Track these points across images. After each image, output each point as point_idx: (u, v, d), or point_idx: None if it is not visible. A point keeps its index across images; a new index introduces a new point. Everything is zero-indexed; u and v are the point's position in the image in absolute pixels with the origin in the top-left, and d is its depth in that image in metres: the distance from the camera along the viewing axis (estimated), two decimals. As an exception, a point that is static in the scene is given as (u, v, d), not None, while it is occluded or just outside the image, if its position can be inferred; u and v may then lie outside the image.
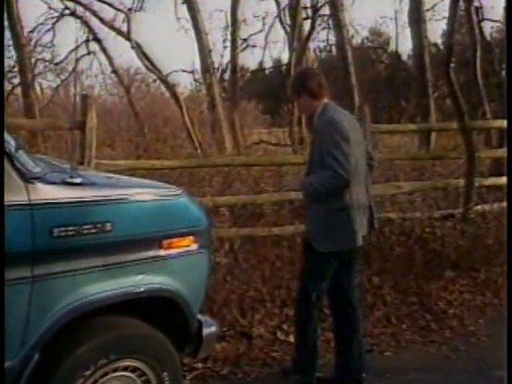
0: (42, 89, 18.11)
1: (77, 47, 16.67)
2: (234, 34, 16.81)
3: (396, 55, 23.52)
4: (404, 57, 23.92)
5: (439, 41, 22.15)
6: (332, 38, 19.57)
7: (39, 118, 12.75)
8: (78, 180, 2.58)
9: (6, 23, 13.79)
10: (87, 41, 16.99)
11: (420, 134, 12.82)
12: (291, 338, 4.32)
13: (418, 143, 12.98)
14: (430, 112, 14.51)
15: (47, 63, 18.03)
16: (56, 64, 18.41)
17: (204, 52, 15.45)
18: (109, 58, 17.18)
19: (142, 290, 2.68)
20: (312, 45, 20.47)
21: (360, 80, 15.84)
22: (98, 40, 16.79)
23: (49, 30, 16.89)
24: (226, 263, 5.47)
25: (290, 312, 4.76)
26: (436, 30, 34.88)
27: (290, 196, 6.42)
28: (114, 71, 17.73)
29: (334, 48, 20.01)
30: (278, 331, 4.55)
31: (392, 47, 24.19)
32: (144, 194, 2.80)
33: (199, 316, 3.03)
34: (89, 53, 17.52)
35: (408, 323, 4.87)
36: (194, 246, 2.91)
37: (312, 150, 3.84)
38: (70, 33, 29.38)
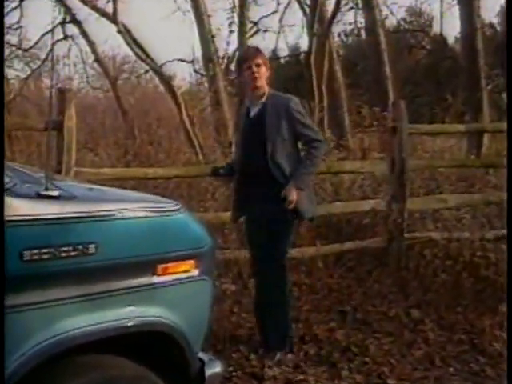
0: (7, 79, 18.23)
1: (51, 30, 16.78)
2: (242, 15, 16.84)
3: (440, 39, 23.49)
4: (450, 41, 23.93)
5: (495, 20, 22.06)
6: (361, 20, 19.71)
7: (4, 115, 12.81)
8: (55, 192, 2.60)
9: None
10: (64, 22, 17.10)
11: (469, 136, 12.81)
12: (311, 380, 4.34)
13: (466, 147, 12.96)
14: (482, 109, 14.46)
15: (13, 48, 18.16)
16: (25, 50, 18.56)
17: (206, 38, 15.49)
18: (91, 43, 17.32)
19: (131, 324, 2.69)
20: (337, 28, 20.65)
21: (395, 70, 15.88)
22: (77, 22, 16.90)
23: (15, 9, 17.05)
24: (233, 291, 5.50)
25: (311, 350, 4.79)
26: (492, 6, 34.44)
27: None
28: (97, 60, 17.87)
29: (363, 32, 20.07)
30: (295, 372, 4.57)
31: (435, 30, 24.25)
32: (134, 209, 2.82)
33: (201, 354, 3.04)
34: (66, 37, 17.67)
35: (456, 366, 4.86)
36: (195, 272, 2.93)
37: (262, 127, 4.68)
38: (42, 12, 29.57)
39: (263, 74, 4.72)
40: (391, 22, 23.44)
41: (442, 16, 22.43)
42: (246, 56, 4.82)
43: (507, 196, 5.20)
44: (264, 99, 4.74)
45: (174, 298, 2.84)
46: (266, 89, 4.77)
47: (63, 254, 2.52)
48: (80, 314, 2.57)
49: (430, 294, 5.87)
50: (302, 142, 4.78)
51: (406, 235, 6.63)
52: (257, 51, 4.84)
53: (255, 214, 4.74)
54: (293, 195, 4.58)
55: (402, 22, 25.20)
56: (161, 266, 2.79)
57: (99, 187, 3.23)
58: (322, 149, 4.79)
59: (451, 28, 40.60)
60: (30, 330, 2.46)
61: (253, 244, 4.87)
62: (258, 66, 4.69)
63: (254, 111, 4.78)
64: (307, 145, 4.74)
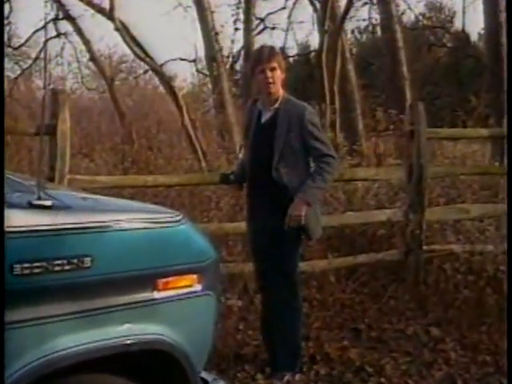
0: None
1: (43, 27, 16.89)
2: (247, 12, 16.90)
3: (462, 36, 23.46)
4: (473, 38, 23.89)
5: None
6: (376, 16, 19.77)
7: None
8: (48, 202, 2.61)
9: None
10: (57, 19, 17.16)
11: (493, 142, 12.77)
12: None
13: (490, 153, 12.94)
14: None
15: (2, 46, 18.26)
16: (15, 48, 18.64)
17: (209, 35, 15.53)
18: (85, 41, 17.35)
19: (129, 342, 2.71)
20: (350, 25, 20.65)
21: (413, 69, 15.89)
22: (71, 18, 16.94)
23: (4, 3, 17.08)
24: (238, 307, 5.51)
25: (321, 370, 4.80)
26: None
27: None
28: (93, 59, 17.88)
29: (378, 29, 20.11)
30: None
31: (457, 26, 24.24)
32: (133, 220, 2.84)
33: (204, 374, 3.06)
34: (59, 34, 17.72)
35: (480, 389, 4.86)
36: (198, 287, 2.94)
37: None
38: (33, 8, 29.68)
39: (278, 78, 4.69)
40: (409, 17, 23.56)
41: (464, 11, 22.53)
42: (260, 59, 4.73)
43: (507, 196, 5.18)
44: (277, 104, 4.72)
45: (175, 315, 2.85)
46: (281, 93, 4.75)
47: (56, 268, 2.53)
48: (74, 332, 2.58)
49: (451, 311, 5.86)
50: (313, 156, 4.71)
51: (424, 248, 6.63)
52: (271, 53, 4.76)
53: (260, 225, 4.75)
54: (299, 210, 4.56)
55: (420, 18, 25.25)
56: (161, 281, 2.80)
57: (95, 196, 3.25)
58: (335, 165, 4.74)
59: (474, 24, 40.54)
60: (20, 349, 2.47)
61: (258, 256, 4.89)
62: (272, 69, 4.65)
63: (265, 117, 4.76)
64: (318, 159, 4.68)
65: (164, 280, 2.81)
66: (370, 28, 23.52)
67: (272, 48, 4.92)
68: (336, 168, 4.82)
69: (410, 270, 6.56)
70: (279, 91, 4.73)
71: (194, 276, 2.92)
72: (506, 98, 6.57)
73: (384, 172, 7.54)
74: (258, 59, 4.77)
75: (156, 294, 2.79)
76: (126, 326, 2.71)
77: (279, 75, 4.69)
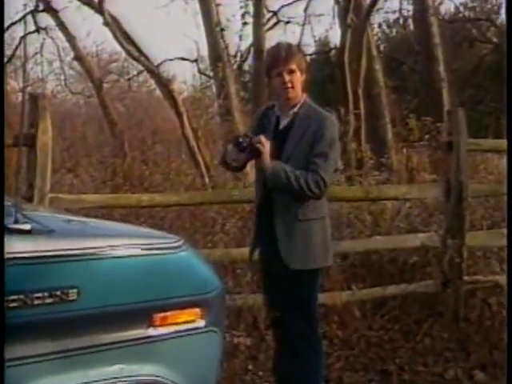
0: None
1: (20, 20, 16.94)
2: (258, 4, 16.95)
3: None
4: (523, 33, 23.89)
5: None
6: (408, 8, 19.83)
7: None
8: (27, 226, 2.64)
9: None
10: (36, 11, 17.25)
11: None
12: None
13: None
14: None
15: (-28, 42, 18.39)
16: (-14, 45, 18.74)
17: (214, 31, 15.58)
18: (70, 37, 17.43)
19: (120, 385, 2.73)
20: (377, 18, 20.69)
21: (452, 69, 15.88)
22: (52, 11, 17.04)
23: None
24: (247, 345, 5.52)
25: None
26: None
27: (343, 247, 6.47)
28: (78, 57, 17.96)
29: (410, 22, 20.15)
30: None
31: (503, 18, 24.22)
32: (125, 246, 2.86)
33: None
34: (38, 29, 17.80)
35: None
36: (201, 322, 2.96)
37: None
38: None
39: (297, 81, 4.69)
40: (447, 8, 23.55)
41: (512, 0, 22.46)
42: (276, 60, 4.73)
43: (507, 197, 5.17)
44: (297, 109, 4.74)
45: (174, 354, 2.87)
46: (301, 97, 4.76)
47: (36, 302, 2.56)
48: (56, 374, 2.61)
49: (497, 352, 5.85)
50: (309, 168, 4.61)
51: (465, 278, 6.62)
52: (289, 52, 4.74)
53: (267, 251, 4.78)
54: (263, 143, 4.52)
55: (461, 9, 25.24)
56: (158, 316, 2.83)
57: (81, 219, 3.28)
58: (317, 191, 4.57)
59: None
60: (-5, 394, 2.49)
61: (268, 287, 4.92)
62: (290, 72, 4.65)
63: (283, 123, 4.77)
64: (310, 173, 4.56)
65: (162, 315, 2.84)
66: (401, 21, 23.60)
67: (290, 46, 4.91)
68: (318, 193, 4.59)
69: (448, 303, 6.55)
70: (299, 95, 4.74)
71: (197, 310, 2.94)
72: (506, 98, 6.57)
73: (417, 190, 7.52)
74: (273, 60, 4.77)
75: (152, 331, 2.81)
76: (117, 366, 2.73)
77: (299, 77, 4.70)
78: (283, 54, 4.71)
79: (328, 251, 4.79)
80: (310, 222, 4.66)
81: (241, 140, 4.59)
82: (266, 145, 4.52)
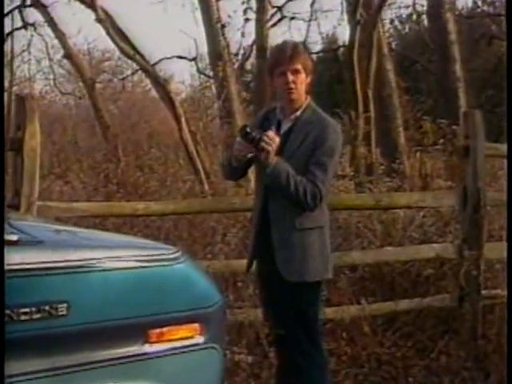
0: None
1: (6, 15, 16.96)
2: (261, -1, 16.99)
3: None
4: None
5: None
6: (422, 2, 19.84)
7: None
8: (13, 236, 2.64)
9: None
10: (23, 6, 17.28)
11: None
12: None
13: None
14: None
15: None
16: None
17: (214, 28, 15.61)
18: (59, 34, 17.46)
19: (112, 405, 2.73)
20: (388, 13, 20.71)
21: (469, 69, 15.87)
22: (41, 6, 17.07)
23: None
24: (249, 363, 5.52)
25: None
26: None
27: (352, 258, 6.46)
28: (68, 56, 17.99)
29: (425, 18, 20.16)
30: None
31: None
32: (118, 258, 2.87)
33: None
34: (25, 26, 17.83)
35: None
36: (200, 339, 2.96)
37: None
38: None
39: (301, 82, 4.71)
40: (464, 3, 23.57)
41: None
42: (280, 59, 4.73)
43: (508, 200, 5.17)
44: (299, 113, 4.75)
45: (171, 372, 2.87)
46: (305, 100, 4.77)
47: (23, 317, 2.57)
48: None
49: (517, 372, 5.85)
50: (306, 177, 4.60)
51: (483, 292, 6.62)
52: (295, 51, 4.74)
53: (263, 261, 4.79)
54: (274, 139, 4.51)
55: (479, 3, 25.24)
56: (154, 332, 2.83)
57: (71, 228, 3.28)
58: (314, 201, 4.59)
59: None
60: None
61: (266, 300, 4.93)
62: (295, 72, 4.66)
63: (284, 128, 4.77)
64: (308, 183, 4.57)
65: (158, 330, 2.84)
66: (415, 17, 23.60)
67: (296, 45, 4.92)
68: (309, 206, 4.61)
69: (464, 319, 6.54)
70: (302, 97, 4.75)
71: (195, 325, 2.95)
72: (506, 99, 6.59)
73: (431, 197, 7.51)
74: (277, 59, 4.77)
75: (148, 348, 2.82)
76: (110, 386, 2.73)
77: (303, 79, 4.71)
78: (288, 53, 4.71)
79: (327, 263, 4.79)
80: (308, 232, 4.67)
81: (248, 130, 4.55)
82: (275, 140, 4.51)
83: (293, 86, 4.66)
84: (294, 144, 4.67)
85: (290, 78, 4.65)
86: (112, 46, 16.19)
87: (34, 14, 17.64)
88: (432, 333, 6.56)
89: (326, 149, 4.62)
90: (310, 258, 4.64)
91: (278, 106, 4.87)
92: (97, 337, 2.70)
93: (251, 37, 17.85)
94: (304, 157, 4.63)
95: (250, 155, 4.64)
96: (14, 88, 16.23)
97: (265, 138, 4.48)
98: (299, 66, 4.67)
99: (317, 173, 4.58)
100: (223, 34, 15.63)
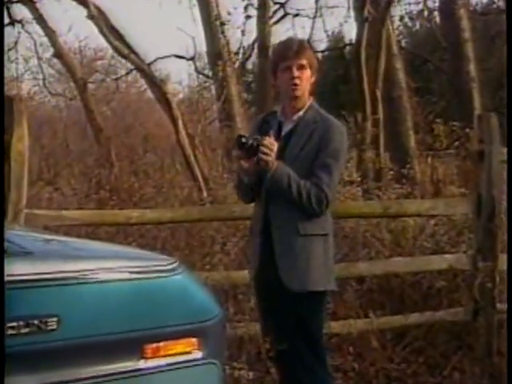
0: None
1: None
2: (263, -6, 17.01)
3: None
4: None
5: None
6: (433, -2, 19.86)
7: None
8: (-1, 247, 2.65)
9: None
10: (10, 1, 17.29)
11: None
12: None
13: None
14: None
15: None
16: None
17: (213, 26, 15.63)
18: (49, 32, 17.49)
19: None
20: (398, 10, 20.73)
21: (484, 68, 15.88)
22: (29, 2, 17.10)
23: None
24: (249, 379, 5.52)
25: None
26: None
27: (359, 269, 6.47)
28: (58, 55, 18.02)
29: (437, 14, 20.19)
30: None
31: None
32: (112, 269, 2.87)
33: None
34: (13, 22, 17.87)
35: None
36: (198, 354, 2.96)
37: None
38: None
39: (307, 79, 4.72)
40: (480, -1, 23.57)
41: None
42: (286, 53, 4.74)
43: (507, 200, 5.17)
44: (302, 113, 4.76)
45: (168, 389, 2.87)
46: (307, 100, 4.79)
47: (11, 332, 2.57)
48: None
49: (535, 390, 5.85)
50: (310, 181, 4.62)
51: (498, 306, 6.61)
52: (301, 47, 4.77)
53: (264, 269, 4.79)
54: (272, 145, 4.50)
55: (495, -1, 25.30)
56: (150, 347, 2.83)
57: (62, 238, 3.28)
58: (319, 206, 4.62)
59: None
60: None
61: (267, 312, 4.93)
62: (300, 68, 4.68)
63: (286, 129, 4.78)
64: (312, 187, 4.60)
65: (154, 345, 2.84)
66: (426, 13, 23.62)
67: (302, 41, 4.97)
68: (315, 212, 4.63)
69: (479, 334, 6.54)
70: (306, 96, 4.76)
71: (193, 340, 2.95)
72: (506, 99, 6.61)
73: (443, 205, 7.51)
74: (282, 53, 4.78)
75: (143, 363, 2.82)
76: (104, 403, 2.73)
77: (308, 76, 4.73)
78: (294, 47, 4.74)
79: (330, 273, 4.79)
80: (312, 238, 4.67)
81: (244, 141, 4.53)
82: (273, 146, 4.51)
83: (298, 81, 4.68)
84: (296, 146, 4.68)
85: (296, 73, 4.67)
86: (105, 44, 16.28)
87: (21, 11, 17.70)
88: (444, 348, 6.56)
89: (330, 150, 4.64)
90: (314, 266, 4.65)
91: (278, 109, 4.88)
92: (89, 352, 2.70)
93: (252, 35, 17.93)
94: (308, 159, 4.65)
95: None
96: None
97: (261, 147, 4.48)
98: (305, 62, 4.70)
99: (322, 175, 4.60)
100: (223, 32, 15.64)
